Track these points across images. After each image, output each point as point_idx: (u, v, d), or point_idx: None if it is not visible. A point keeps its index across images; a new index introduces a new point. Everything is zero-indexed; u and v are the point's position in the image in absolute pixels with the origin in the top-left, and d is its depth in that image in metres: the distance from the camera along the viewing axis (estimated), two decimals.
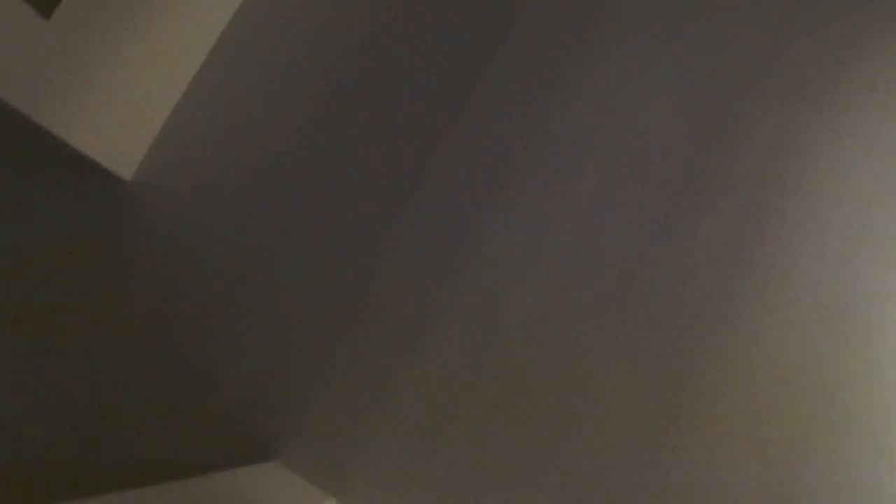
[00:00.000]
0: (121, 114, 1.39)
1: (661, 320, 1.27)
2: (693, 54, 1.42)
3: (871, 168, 1.30)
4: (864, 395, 1.19)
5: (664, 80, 1.41)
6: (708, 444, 1.18)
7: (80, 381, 1.28)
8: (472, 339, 1.29)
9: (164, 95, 1.47)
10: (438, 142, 1.41)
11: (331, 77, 1.48)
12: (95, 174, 1.41)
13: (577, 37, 1.45)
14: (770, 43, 1.39)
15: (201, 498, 0.92)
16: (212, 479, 0.98)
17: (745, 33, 1.40)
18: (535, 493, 1.19)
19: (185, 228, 1.40)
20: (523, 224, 1.35)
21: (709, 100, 1.39)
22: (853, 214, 1.28)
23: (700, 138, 1.37)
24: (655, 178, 1.36)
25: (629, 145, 1.38)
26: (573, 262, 1.32)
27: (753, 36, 1.40)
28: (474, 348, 1.28)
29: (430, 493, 1.20)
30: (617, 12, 1.45)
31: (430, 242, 1.36)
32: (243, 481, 1.04)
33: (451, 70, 1.46)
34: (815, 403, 1.19)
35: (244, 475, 1.05)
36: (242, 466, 1.08)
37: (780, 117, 1.35)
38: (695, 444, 1.18)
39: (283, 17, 1.53)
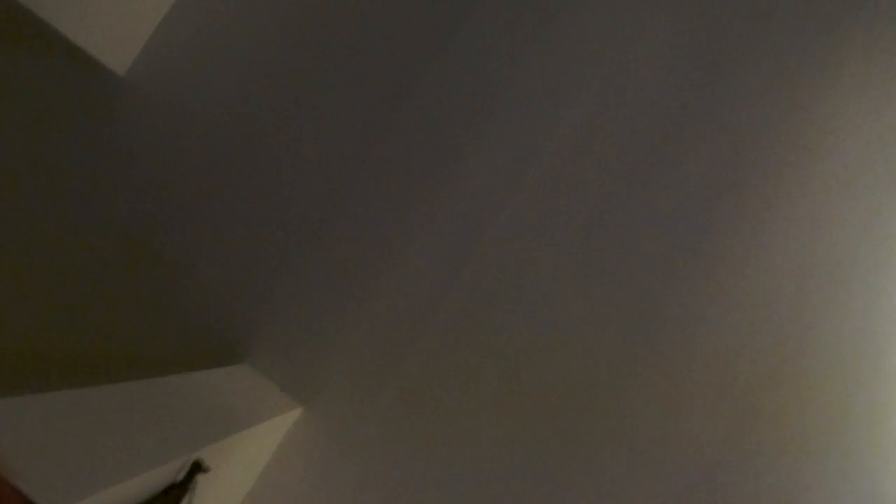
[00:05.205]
0: (118, 11, 1.39)
1: (634, 254, 1.26)
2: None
3: (859, 123, 1.22)
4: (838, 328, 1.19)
5: (655, 18, 1.31)
6: (672, 381, 1.21)
7: (57, 273, 1.35)
8: (445, 254, 1.30)
9: None
10: (428, 61, 1.36)
11: None
12: (90, 67, 1.41)
13: None
14: None
15: (169, 397, 0.98)
16: (180, 378, 1.04)
17: None
18: (502, 405, 1.23)
19: (173, 127, 1.41)
20: (505, 147, 1.32)
21: (699, 40, 1.30)
22: (834, 169, 1.22)
23: (686, 81, 1.30)
24: (640, 116, 1.30)
25: (616, 81, 1.31)
26: (551, 187, 1.30)
27: None
28: (447, 263, 1.30)
29: (397, 408, 1.26)
30: None
31: (412, 157, 1.34)
32: (212, 382, 1.10)
33: None
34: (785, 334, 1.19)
35: (213, 377, 1.11)
36: (211, 368, 1.14)
37: (772, 65, 1.25)
38: (658, 379, 1.21)
39: None
